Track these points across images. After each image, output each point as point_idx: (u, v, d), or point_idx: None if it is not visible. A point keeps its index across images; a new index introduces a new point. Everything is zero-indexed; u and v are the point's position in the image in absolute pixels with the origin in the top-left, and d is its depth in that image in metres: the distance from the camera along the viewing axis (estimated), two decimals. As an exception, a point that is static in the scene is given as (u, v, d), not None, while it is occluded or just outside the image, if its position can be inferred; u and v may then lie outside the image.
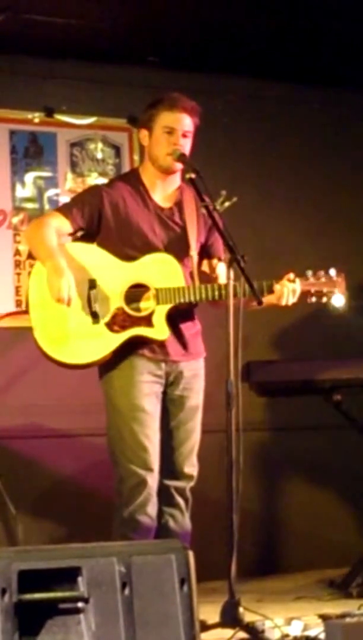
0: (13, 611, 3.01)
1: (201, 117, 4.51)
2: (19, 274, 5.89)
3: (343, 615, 4.06)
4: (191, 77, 6.01)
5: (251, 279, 4.18)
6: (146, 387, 4.39)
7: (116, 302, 4.37)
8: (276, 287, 4.40)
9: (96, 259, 4.43)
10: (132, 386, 4.38)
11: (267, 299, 4.39)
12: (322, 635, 3.90)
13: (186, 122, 4.47)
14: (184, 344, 4.46)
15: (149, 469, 4.36)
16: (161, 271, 4.41)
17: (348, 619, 3.89)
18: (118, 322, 4.37)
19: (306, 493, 6.37)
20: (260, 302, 4.20)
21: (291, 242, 6.36)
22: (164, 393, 4.47)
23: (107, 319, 4.36)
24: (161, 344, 4.41)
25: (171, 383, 4.47)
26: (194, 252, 4.48)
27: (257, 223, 6.27)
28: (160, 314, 4.38)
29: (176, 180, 4.55)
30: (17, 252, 5.91)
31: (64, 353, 4.36)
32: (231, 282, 4.17)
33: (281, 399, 5.79)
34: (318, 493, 6.39)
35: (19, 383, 5.75)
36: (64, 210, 4.49)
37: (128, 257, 4.43)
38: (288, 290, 4.40)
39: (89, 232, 4.48)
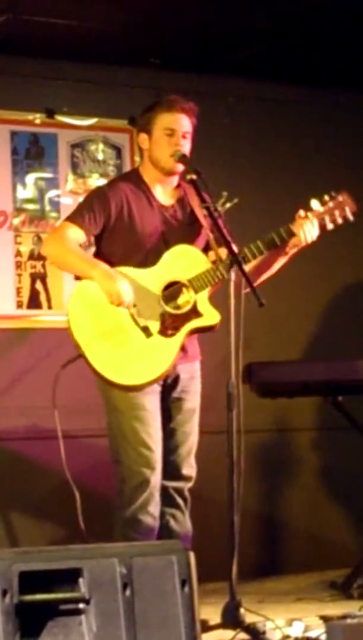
0: (14, 612, 3.01)
1: (200, 117, 4.52)
2: (20, 275, 5.89)
3: (344, 617, 4.06)
4: (192, 78, 6.01)
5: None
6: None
7: (158, 308, 4.36)
8: (295, 229, 4.39)
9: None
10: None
11: (292, 243, 4.40)
12: (323, 637, 3.90)
13: (185, 123, 4.48)
14: (182, 347, 4.45)
15: (152, 468, 4.36)
16: (185, 262, 4.41)
17: (349, 620, 3.90)
18: (169, 326, 4.36)
19: (308, 494, 6.37)
20: (261, 304, 4.19)
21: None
22: (162, 395, 4.47)
23: (158, 328, 4.36)
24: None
25: (169, 385, 4.47)
26: (210, 234, 4.47)
27: (258, 224, 6.24)
28: (202, 300, 4.38)
29: (174, 181, 4.55)
30: (18, 253, 5.91)
31: (136, 376, 4.35)
32: (232, 284, 4.17)
33: (282, 400, 5.78)
34: (319, 494, 6.39)
35: (20, 384, 5.75)
36: (78, 220, 4.43)
37: (140, 262, 4.42)
38: (307, 226, 4.39)
39: (96, 238, 4.49)
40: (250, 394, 5.15)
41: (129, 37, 5.75)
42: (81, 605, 3.11)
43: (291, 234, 4.39)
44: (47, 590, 3.09)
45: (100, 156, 6.15)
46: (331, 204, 4.47)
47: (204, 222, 4.46)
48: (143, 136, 4.53)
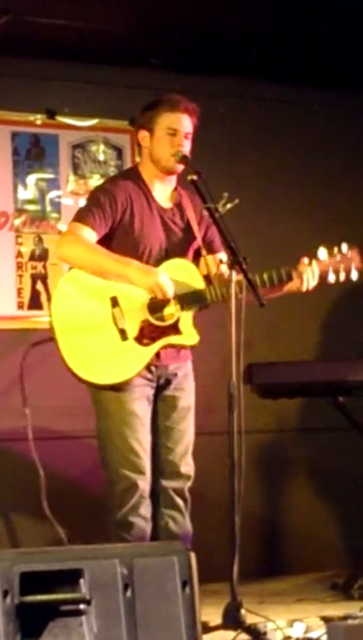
0: (15, 613, 3.01)
1: (201, 117, 4.52)
2: (20, 276, 5.90)
3: (345, 617, 4.06)
4: (192, 79, 6.00)
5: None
6: (137, 390, 4.38)
7: (140, 315, 4.35)
8: (295, 274, 4.38)
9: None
10: (124, 390, 4.37)
11: (288, 287, 4.39)
12: (324, 637, 3.90)
13: (188, 124, 4.47)
14: (173, 347, 4.45)
15: (140, 472, 4.35)
16: (180, 277, 4.39)
17: (350, 621, 3.90)
18: (146, 334, 4.35)
19: (308, 495, 6.37)
20: (261, 304, 4.19)
21: (294, 244, 6.34)
22: (156, 395, 4.46)
23: (135, 333, 4.35)
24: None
25: (162, 385, 4.47)
26: (201, 245, 4.46)
27: (259, 225, 6.26)
28: (186, 319, 4.38)
29: (172, 181, 4.55)
30: (19, 254, 5.91)
31: (100, 375, 4.35)
32: (233, 285, 4.17)
33: (283, 401, 5.78)
34: (320, 495, 6.39)
35: (21, 385, 5.75)
36: (89, 220, 4.38)
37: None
38: (307, 275, 4.37)
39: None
40: (250, 395, 5.15)
41: (130, 37, 5.75)
42: (82, 606, 3.11)
43: (290, 278, 4.38)
44: (48, 591, 3.09)
45: (101, 157, 6.15)
46: (338, 258, 4.45)
47: (198, 229, 4.47)
48: (144, 133, 4.52)
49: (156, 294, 4.31)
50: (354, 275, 4.48)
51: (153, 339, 4.36)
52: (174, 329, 4.37)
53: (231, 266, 4.20)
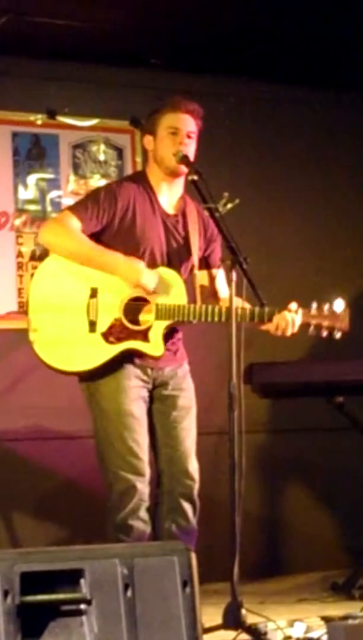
0: (15, 613, 3.01)
1: (204, 119, 4.51)
2: (21, 276, 5.90)
3: (345, 617, 4.06)
4: (193, 79, 6.01)
5: (253, 281, 4.18)
6: (133, 392, 4.38)
7: (115, 313, 4.35)
8: (275, 317, 4.34)
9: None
10: (120, 391, 4.36)
11: (265, 327, 4.37)
12: (325, 637, 3.90)
13: (190, 123, 4.46)
14: (169, 351, 4.45)
15: (139, 474, 4.34)
16: (163, 287, 4.39)
17: (350, 621, 3.90)
18: (115, 333, 4.34)
19: (309, 495, 6.37)
20: (262, 304, 4.19)
21: (294, 244, 6.37)
22: (151, 396, 4.45)
23: (104, 329, 4.34)
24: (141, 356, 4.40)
25: (158, 385, 4.46)
26: (195, 260, 4.47)
27: (259, 225, 6.27)
28: (157, 329, 4.36)
29: (180, 187, 4.53)
30: (20, 254, 5.92)
31: (56, 358, 4.35)
32: (234, 285, 4.16)
33: (283, 400, 5.79)
34: (320, 495, 6.39)
35: (21, 385, 5.75)
36: (80, 211, 4.40)
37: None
38: (286, 322, 4.34)
39: (96, 234, 4.47)
40: (251, 395, 5.16)
41: (130, 37, 5.75)
42: (83, 606, 3.11)
43: (270, 320, 4.35)
44: (48, 591, 3.09)
45: (101, 157, 6.15)
46: (326, 313, 4.42)
47: (198, 241, 4.47)
48: (148, 138, 4.52)
49: (139, 287, 4.31)
50: (337, 335, 4.45)
51: (120, 339, 4.35)
52: (143, 335, 4.35)
53: (231, 266, 4.19)
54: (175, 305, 4.35)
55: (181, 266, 4.47)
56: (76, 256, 4.38)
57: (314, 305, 4.41)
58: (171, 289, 4.40)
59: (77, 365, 4.35)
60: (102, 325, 4.35)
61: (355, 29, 5.70)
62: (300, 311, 4.38)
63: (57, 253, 4.41)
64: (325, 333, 4.44)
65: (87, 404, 4.45)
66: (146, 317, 4.36)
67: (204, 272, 4.56)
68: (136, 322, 4.36)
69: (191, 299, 4.43)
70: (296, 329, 4.37)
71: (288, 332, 4.36)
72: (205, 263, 4.57)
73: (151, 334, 4.35)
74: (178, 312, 4.35)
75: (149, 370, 4.42)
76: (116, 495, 4.34)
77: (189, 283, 4.47)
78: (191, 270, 4.48)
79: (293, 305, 4.37)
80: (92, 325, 4.35)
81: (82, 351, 4.34)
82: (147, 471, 4.37)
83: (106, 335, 4.34)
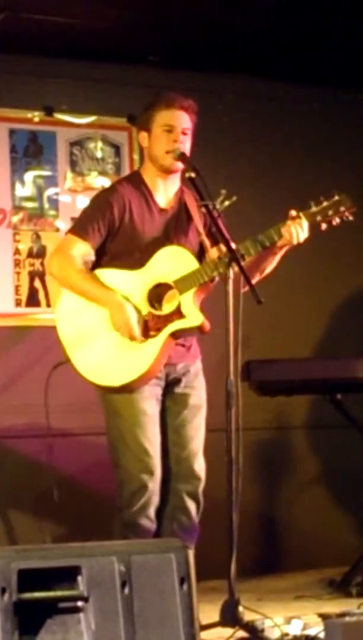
0: (13, 610, 3.01)
1: (199, 115, 4.51)
2: (18, 273, 5.90)
3: (342, 614, 4.06)
4: (190, 76, 6.01)
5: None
6: (146, 390, 4.38)
7: (143, 309, 4.36)
8: (283, 229, 4.36)
9: (107, 279, 4.42)
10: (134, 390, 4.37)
11: (280, 244, 4.37)
12: (322, 635, 3.90)
13: (185, 120, 4.46)
14: (183, 347, 4.46)
15: (151, 473, 4.34)
16: (173, 263, 4.39)
17: (347, 618, 3.89)
18: (152, 326, 4.35)
19: (306, 492, 6.38)
20: (259, 302, 4.19)
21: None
22: (165, 394, 4.46)
23: (140, 329, 4.36)
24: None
25: (171, 382, 4.46)
26: (204, 237, 4.45)
27: (257, 222, 6.22)
28: (187, 302, 4.36)
29: (176, 181, 4.53)
30: (17, 251, 5.92)
31: (117, 377, 4.35)
32: (231, 282, 4.16)
33: (281, 398, 5.79)
34: (318, 492, 6.39)
35: (20, 382, 5.75)
36: (82, 233, 4.42)
37: (136, 262, 4.42)
38: (296, 229, 4.35)
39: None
40: (248, 392, 5.16)
41: (127, 35, 5.75)
42: (80, 603, 3.11)
43: (280, 235, 4.37)
44: (45, 588, 3.09)
45: (99, 154, 6.15)
46: (325, 204, 4.42)
47: (201, 226, 4.46)
48: (143, 134, 4.51)
49: (122, 333, 4.33)
50: (349, 217, 4.42)
51: (159, 329, 4.36)
52: (177, 314, 4.37)
53: (228, 263, 4.19)
54: (190, 272, 4.36)
55: (188, 249, 4.47)
56: (76, 291, 4.42)
57: (312, 203, 4.42)
58: (181, 262, 4.39)
59: (138, 371, 4.34)
60: (138, 327, 4.35)
61: (353, 26, 5.70)
62: (302, 214, 4.39)
63: (63, 286, 4.48)
64: (336, 220, 4.42)
65: (101, 403, 4.45)
66: (170, 298, 4.38)
67: (214, 249, 4.52)
68: (163, 308, 4.38)
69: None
70: (306, 232, 4.37)
71: (302, 238, 4.36)
72: (214, 238, 4.49)
73: (184, 309, 4.36)
74: (196, 277, 4.35)
75: (161, 367, 4.42)
76: (127, 494, 4.34)
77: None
78: (200, 255, 4.48)
79: (293, 212, 4.39)
80: None
81: (134, 358, 4.35)
82: (158, 470, 4.37)
83: (145, 333, 4.35)
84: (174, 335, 4.37)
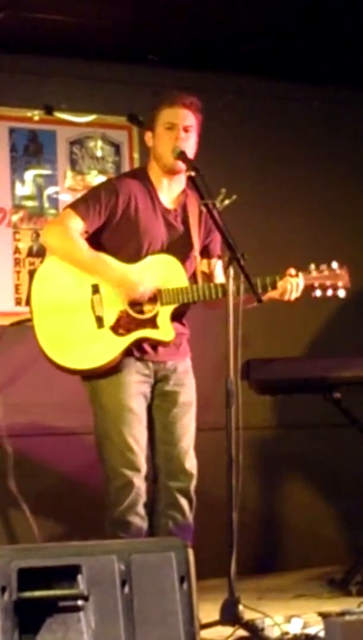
0: (13, 609, 3.01)
1: (203, 113, 4.51)
2: (18, 272, 5.90)
3: (342, 613, 4.05)
4: (190, 75, 6.00)
5: (251, 277, 4.18)
6: (134, 387, 4.39)
7: (120, 305, 4.36)
8: (279, 283, 4.38)
9: None
10: (121, 386, 4.37)
11: (270, 295, 4.39)
12: (322, 633, 3.90)
13: (187, 117, 4.45)
14: (174, 345, 4.46)
15: (136, 470, 4.35)
16: (163, 272, 4.40)
17: (347, 617, 3.89)
18: (123, 325, 4.36)
19: (306, 491, 6.38)
20: (259, 301, 4.20)
21: (291, 240, 6.36)
22: (153, 391, 4.46)
23: (111, 322, 4.36)
24: (154, 345, 4.40)
25: (159, 380, 4.46)
26: (197, 253, 4.48)
27: (257, 221, 6.26)
28: (164, 315, 4.38)
29: (181, 182, 4.53)
30: (17, 250, 5.91)
31: (70, 359, 4.36)
32: (231, 280, 4.16)
33: (281, 397, 5.79)
34: (317, 491, 6.39)
35: (20, 381, 5.75)
36: (81, 210, 4.42)
37: (131, 258, 4.42)
38: (291, 286, 4.38)
39: (96, 229, 4.47)
40: (248, 391, 5.15)
41: (127, 33, 5.75)
42: (80, 602, 3.11)
43: (274, 287, 4.38)
44: (46, 587, 3.09)
45: (99, 153, 6.14)
46: (326, 273, 4.46)
47: (198, 234, 4.47)
48: (148, 134, 4.53)
49: (140, 298, 4.35)
50: (341, 293, 4.48)
51: (129, 330, 4.36)
52: (151, 322, 4.38)
53: (229, 262, 4.19)
54: (177, 288, 4.37)
55: (184, 257, 4.47)
56: (73, 261, 4.41)
57: (312, 266, 4.46)
58: (171, 274, 4.41)
59: (92, 362, 4.35)
60: (110, 319, 4.36)
61: (354, 25, 5.70)
62: (301, 274, 4.41)
63: (57, 256, 4.44)
64: (330, 292, 4.47)
65: (89, 400, 4.46)
66: (151, 304, 4.37)
67: (205, 261, 4.55)
68: (142, 311, 4.37)
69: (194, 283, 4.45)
70: (299, 292, 4.41)
71: (294, 296, 4.40)
72: (206, 252, 4.56)
73: (159, 321, 4.37)
74: (181, 295, 4.37)
75: (150, 364, 4.42)
76: (113, 490, 4.35)
77: (193, 272, 4.49)
78: (194, 260, 4.48)
79: (293, 270, 4.41)
80: (100, 321, 4.37)
81: (95, 347, 4.35)
82: (144, 467, 4.38)
83: (115, 328, 4.36)
84: (141, 341, 4.37)
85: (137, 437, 4.37)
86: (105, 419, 4.39)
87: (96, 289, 4.38)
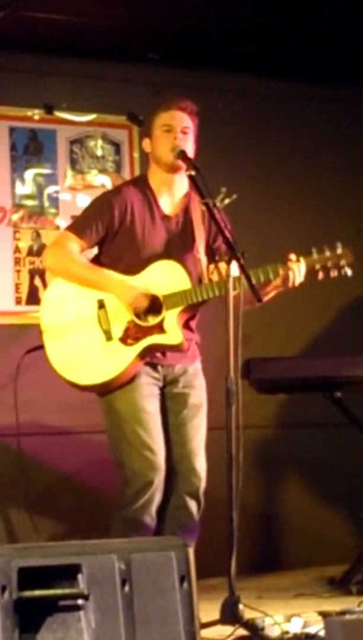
0: (13, 608, 3.01)
1: (199, 113, 4.51)
2: (18, 271, 5.90)
3: (343, 612, 4.06)
4: (190, 74, 6.01)
5: (251, 276, 4.17)
6: (145, 388, 4.40)
7: (126, 316, 4.38)
8: (281, 270, 4.37)
9: None
10: (132, 389, 4.38)
11: (274, 284, 4.38)
12: (322, 633, 3.90)
13: (183, 119, 4.47)
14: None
15: (156, 469, 4.35)
16: (166, 278, 4.41)
17: (348, 616, 3.89)
18: (131, 335, 4.38)
19: (306, 490, 6.38)
20: (260, 300, 4.20)
21: (292, 239, 6.32)
22: (163, 394, 4.47)
23: (120, 334, 4.38)
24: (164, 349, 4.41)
25: (169, 382, 4.47)
26: (202, 255, 4.47)
27: (257, 220, 6.26)
28: (171, 319, 4.38)
29: (183, 185, 4.53)
30: (17, 249, 5.92)
31: (82, 375, 4.39)
32: (231, 279, 4.16)
33: (281, 396, 5.79)
34: (318, 490, 6.39)
35: (19, 380, 5.74)
36: (78, 231, 4.48)
37: (132, 268, 4.43)
38: (293, 272, 4.36)
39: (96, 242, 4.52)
40: (248, 390, 5.16)
41: (127, 33, 5.75)
42: (80, 601, 3.11)
43: (277, 275, 4.36)
44: (46, 586, 3.09)
45: (99, 152, 6.14)
46: (327, 254, 4.42)
47: (202, 240, 4.47)
48: (146, 140, 4.56)
49: (131, 307, 4.36)
50: (348, 272, 4.44)
51: (137, 339, 4.38)
52: (158, 328, 4.39)
53: (229, 261, 4.19)
54: (180, 291, 4.38)
55: (187, 262, 4.47)
56: (75, 279, 4.46)
57: (314, 250, 4.41)
58: (175, 279, 4.41)
59: (105, 375, 4.37)
60: (118, 331, 4.39)
61: (354, 25, 5.70)
62: (302, 259, 4.38)
63: (60, 277, 4.51)
64: (334, 273, 4.41)
65: (103, 412, 4.47)
66: (156, 310, 4.39)
67: (212, 266, 4.52)
68: (148, 319, 4.39)
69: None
70: (303, 277, 4.38)
71: (297, 282, 4.37)
72: (217, 253, 4.52)
73: (166, 325, 4.38)
74: (184, 297, 4.37)
75: (159, 368, 4.44)
76: (132, 492, 4.35)
77: (199, 274, 4.48)
78: (199, 262, 4.48)
79: (293, 256, 4.38)
80: (108, 334, 4.40)
81: (106, 360, 4.38)
82: (163, 466, 4.38)
83: (124, 339, 4.38)
84: (150, 348, 4.38)
85: (154, 436, 4.37)
86: (120, 421, 4.39)
87: (101, 304, 4.42)
